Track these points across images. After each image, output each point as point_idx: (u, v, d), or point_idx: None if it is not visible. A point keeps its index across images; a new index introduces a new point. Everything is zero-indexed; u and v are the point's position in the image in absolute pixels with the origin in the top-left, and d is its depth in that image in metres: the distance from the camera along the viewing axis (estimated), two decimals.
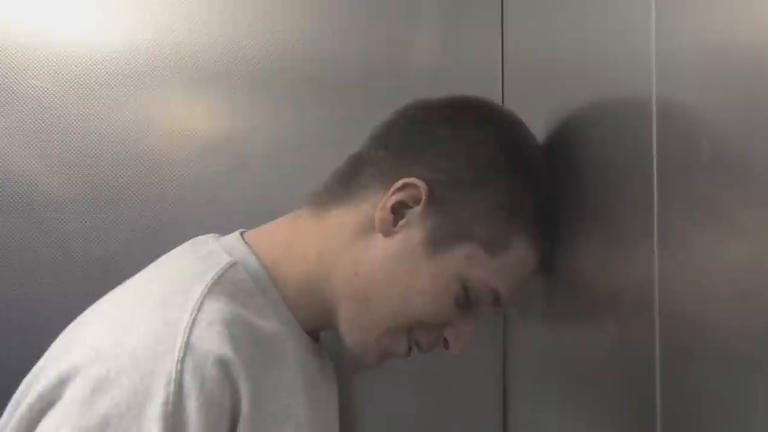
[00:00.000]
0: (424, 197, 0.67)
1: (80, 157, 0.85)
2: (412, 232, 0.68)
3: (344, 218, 0.69)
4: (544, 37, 0.89)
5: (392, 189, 0.66)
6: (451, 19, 0.93)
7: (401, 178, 0.67)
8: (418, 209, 0.67)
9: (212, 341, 0.57)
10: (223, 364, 0.57)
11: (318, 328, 0.73)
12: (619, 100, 0.83)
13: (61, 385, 0.55)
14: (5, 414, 0.59)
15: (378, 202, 0.67)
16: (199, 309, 0.59)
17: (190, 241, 0.71)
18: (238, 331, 0.60)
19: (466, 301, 0.68)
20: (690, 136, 0.78)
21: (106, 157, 0.86)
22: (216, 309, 0.60)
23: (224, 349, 0.57)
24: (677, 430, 0.71)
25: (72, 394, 0.54)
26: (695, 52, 0.79)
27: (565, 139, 0.85)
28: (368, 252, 0.69)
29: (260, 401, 0.60)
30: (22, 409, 0.55)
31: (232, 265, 0.66)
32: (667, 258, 0.80)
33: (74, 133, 0.84)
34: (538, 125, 0.87)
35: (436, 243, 0.68)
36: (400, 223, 0.67)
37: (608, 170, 0.86)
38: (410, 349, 0.72)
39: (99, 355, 0.56)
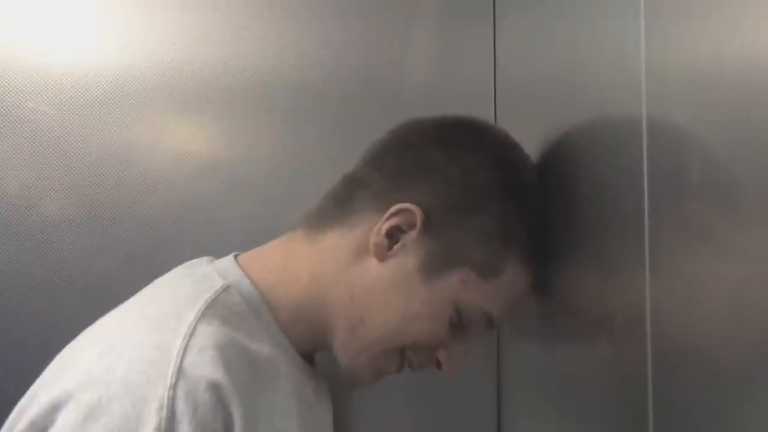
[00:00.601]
0: (419, 223, 0.67)
1: (77, 178, 0.85)
2: (407, 257, 0.68)
3: (339, 241, 0.69)
4: (536, 57, 0.90)
5: (387, 214, 0.67)
6: (445, 38, 0.94)
7: (396, 202, 0.67)
8: (413, 234, 0.67)
9: (205, 366, 0.57)
10: (215, 388, 0.57)
11: (312, 350, 0.74)
12: (609, 120, 0.84)
13: (53, 411, 0.55)
14: None
15: (372, 226, 0.68)
16: (191, 334, 0.59)
17: (184, 265, 0.71)
18: (231, 355, 0.60)
19: (459, 323, 0.69)
20: (681, 156, 0.78)
21: (104, 178, 0.87)
22: (209, 333, 0.60)
23: (217, 374, 0.57)
24: None
25: (64, 420, 0.54)
26: (685, 71, 0.81)
27: (557, 158, 0.86)
28: (363, 276, 0.69)
29: (254, 425, 0.60)
30: None
31: (226, 289, 0.66)
32: (658, 278, 0.81)
33: (72, 155, 0.85)
34: (530, 143, 0.87)
35: (431, 268, 0.68)
36: (395, 247, 0.67)
37: (600, 189, 0.86)
38: (403, 367, 0.72)
39: (91, 380, 0.56)
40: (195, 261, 0.71)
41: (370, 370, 0.71)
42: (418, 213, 0.66)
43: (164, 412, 0.54)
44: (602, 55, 0.84)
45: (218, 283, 0.66)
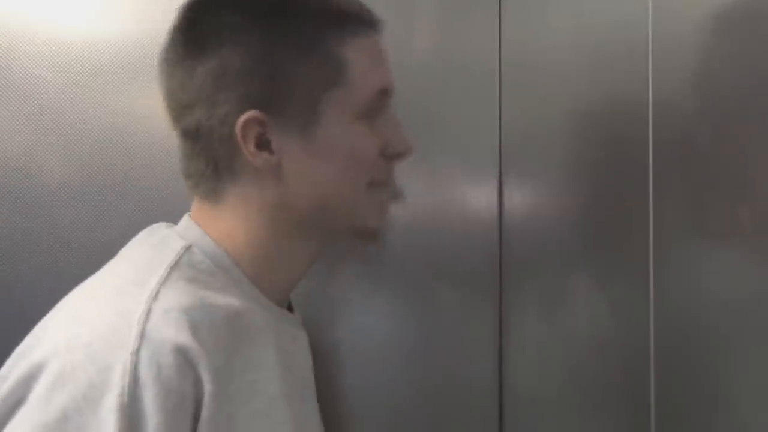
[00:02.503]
0: (260, 116, 0.66)
1: (78, 145, 0.85)
2: (288, 142, 0.67)
3: (241, 195, 0.68)
4: (541, 32, 0.92)
5: (240, 138, 0.65)
6: (451, 14, 0.93)
7: (233, 126, 0.65)
8: (272, 126, 0.66)
9: (169, 329, 0.58)
10: (180, 351, 0.57)
11: (287, 293, 0.74)
12: (614, 94, 0.87)
13: (26, 382, 0.56)
14: None
15: (246, 158, 0.67)
16: (154, 298, 0.59)
17: (144, 231, 0.71)
18: (198, 315, 0.60)
19: (369, 121, 0.69)
20: (685, 128, 0.82)
21: (104, 145, 0.86)
22: (173, 296, 0.60)
23: (182, 336, 0.57)
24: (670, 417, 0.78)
25: (34, 391, 0.55)
26: (690, 44, 0.84)
27: (562, 133, 0.90)
28: (288, 189, 0.68)
29: (226, 381, 0.60)
30: None
31: (187, 249, 0.66)
32: (661, 257, 0.84)
33: (75, 123, 0.84)
34: (534, 119, 0.90)
35: (307, 127, 0.67)
36: (272, 146, 0.67)
37: (603, 165, 0.90)
38: (392, 178, 0.74)
39: (56, 350, 0.57)
40: (154, 226, 0.72)
41: (372, 206, 0.71)
42: (250, 115, 0.65)
43: (127, 378, 0.54)
44: (608, 30, 0.86)
45: (179, 245, 0.66)
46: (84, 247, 0.83)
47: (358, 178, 0.70)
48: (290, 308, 0.77)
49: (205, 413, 0.58)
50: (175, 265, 0.63)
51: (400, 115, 0.86)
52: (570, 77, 0.90)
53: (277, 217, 0.69)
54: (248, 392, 0.63)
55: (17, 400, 0.56)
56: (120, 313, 0.58)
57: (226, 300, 0.64)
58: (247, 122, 0.65)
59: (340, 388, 0.90)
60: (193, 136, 0.68)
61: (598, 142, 0.89)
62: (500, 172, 0.93)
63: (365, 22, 0.71)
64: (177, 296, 0.60)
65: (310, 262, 0.74)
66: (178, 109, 0.69)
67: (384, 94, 0.71)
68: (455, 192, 0.93)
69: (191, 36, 0.68)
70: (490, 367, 0.91)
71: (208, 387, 0.58)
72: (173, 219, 0.81)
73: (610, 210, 0.88)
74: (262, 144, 0.66)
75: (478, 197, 0.92)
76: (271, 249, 0.70)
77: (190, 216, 0.70)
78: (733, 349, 0.78)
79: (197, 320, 0.59)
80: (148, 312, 0.58)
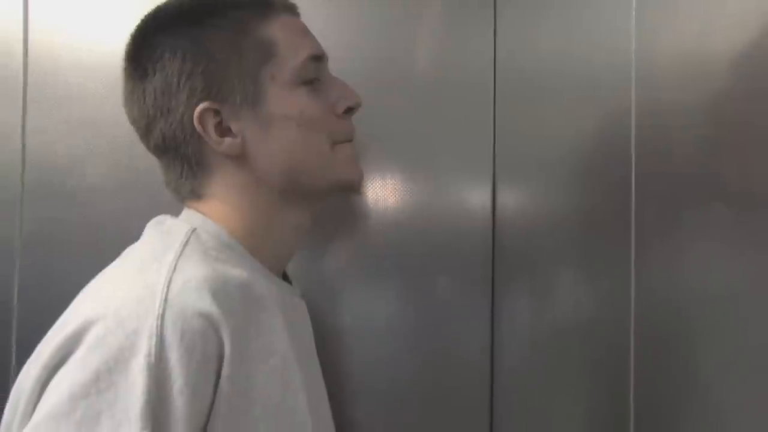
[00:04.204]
0: (212, 105, 0.68)
1: (116, 147, 0.89)
2: (245, 123, 0.69)
3: (220, 183, 0.71)
4: (533, 49, 0.93)
5: (200, 130, 0.68)
6: (449, 33, 0.95)
7: (190, 119, 0.68)
8: (226, 112, 0.68)
9: (190, 297, 0.59)
10: (203, 316, 0.59)
11: (283, 264, 0.77)
12: (599, 105, 0.89)
13: (64, 349, 0.58)
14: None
15: (211, 147, 0.69)
16: (174, 270, 0.61)
17: (152, 221, 0.73)
18: (215, 283, 0.62)
19: (314, 88, 0.72)
20: (667, 138, 0.83)
21: (136, 147, 0.84)
22: (190, 268, 0.62)
23: (203, 303, 0.59)
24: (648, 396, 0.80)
25: (73, 356, 0.57)
26: (672, 60, 0.85)
27: (551, 140, 0.92)
28: (257, 164, 0.70)
29: (244, 343, 0.62)
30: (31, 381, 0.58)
31: (194, 231, 0.68)
32: (642, 252, 0.85)
33: (112, 126, 0.87)
34: (527, 131, 0.92)
35: (256, 104, 0.69)
36: (233, 130, 0.69)
37: (589, 169, 0.92)
38: (350, 127, 0.76)
39: (90, 321, 0.58)
40: (159, 217, 0.73)
41: (340, 162, 0.74)
42: (203, 106, 0.67)
43: (154, 340, 0.56)
44: (595, 47, 0.89)
45: (186, 228, 0.68)
46: (117, 237, 0.82)
47: (317, 138, 0.72)
48: (288, 281, 0.79)
49: (225, 372, 0.59)
50: (187, 243, 0.65)
51: (403, 123, 0.91)
52: (559, 90, 0.91)
53: (258, 193, 0.71)
54: (264, 352, 0.65)
55: (57, 364, 0.57)
56: (144, 285, 0.60)
57: (236, 271, 0.66)
58: (201, 115, 0.67)
59: (346, 365, 0.92)
60: (162, 148, 0.71)
61: (583, 148, 0.90)
62: (494, 175, 0.94)
63: (283, 6, 0.73)
64: (194, 268, 0.62)
65: (301, 231, 0.76)
66: (144, 129, 0.72)
67: (315, 59, 0.72)
68: (454, 193, 0.94)
69: (135, 65, 0.70)
70: (483, 348, 0.93)
71: (228, 348, 0.60)
72: None
73: (594, 209, 0.90)
74: (224, 131, 0.69)
75: (474, 198, 0.94)
76: (261, 224, 0.72)
77: (188, 209, 0.73)
78: (706, 334, 0.79)
79: (216, 288, 0.61)
80: (169, 282, 0.60)
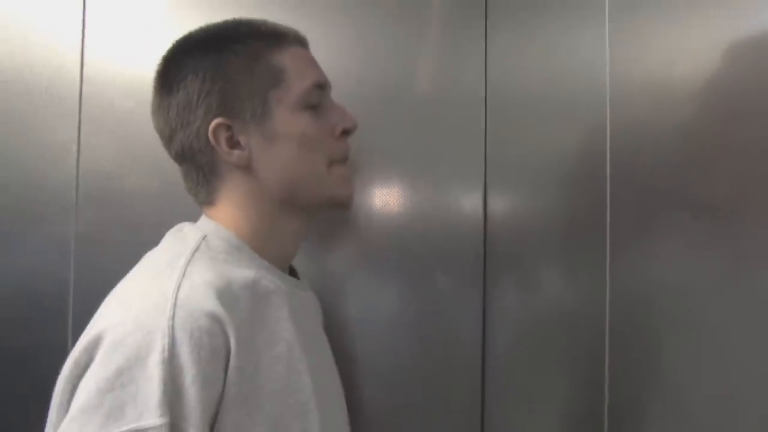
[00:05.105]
0: (224, 121, 0.70)
1: (156, 159, 0.88)
2: (252, 138, 0.71)
3: (230, 190, 0.73)
4: (520, 70, 0.95)
5: (213, 143, 0.70)
6: (443, 54, 0.97)
7: (205, 134, 0.70)
8: (237, 127, 0.71)
9: (197, 299, 0.61)
10: (209, 316, 0.60)
11: (287, 262, 0.78)
12: (578, 120, 0.91)
13: (89, 350, 0.60)
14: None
15: (222, 158, 0.71)
16: (183, 276, 0.63)
17: (173, 228, 0.76)
18: (220, 286, 0.63)
19: (316, 112, 0.74)
20: (639, 151, 0.84)
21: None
22: (198, 273, 0.64)
23: (208, 303, 0.61)
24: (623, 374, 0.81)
25: (97, 355, 0.59)
26: (642, 80, 0.85)
27: (536, 152, 0.94)
28: (261, 175, 0.72)
29: (249, 335, 0.64)
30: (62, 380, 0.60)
31: (205, 238, 0.70)
32: (617, 257, 0.86)
33: (151, 141, 0.83)
34: (515, 143, 0.96)
35: (263, 122, 0.71)
36: (242, 144, 0.71)
37: (569, 177, 0.92)
38: (346, 147, 0.77)
39: (112, 324, 0.60)
40: (179, 225, 0.76)
41: (334, 180, 0.75)
42: (217, 122, 0.70)
43: (167, 339, 0.58)
44: (574, 72, 0.91)
45: (199, 235, 0.70)
46: (156, 237, 0.81)
47: (315, 158, 0.73)
48: (296, 276, 0.81)
49: (233, 363, 0.61)
50: (197, 250, 0.67)
51: (405, 137, 0.93)
52: (543, 108, 0.93)
53: (262, 201, 0.73)
54: (269, 342, 0.66)
55: (85, 363, 0.60)
56: (158, 291, 0.62)
57: (242, 271, 0.67)
58: (215, 129, 0.70)
59: (353, 351, 0.95)
60: (181, 156, 0.74)
61: (565, 160, 0.92)
62: (485, 183, 0.97)
63: (295, 39, 0.76)
64: (201, 273, 0.64)
65: (299, 236, 0.78)
66: (167, 138, 0.74)
67: (319, 87, 0.74)
68: (449, 199, 0.97)
69: (163, 82, 0.73)
70: (475, 337, 0.96)
71: (233, 342, 0.61)
72: None
73: (574, 215, 0.91)
74: (234, 144, 0.71)
75: (468, 203, 0.97)
76: (265, 227, 0.73)
77: (204, 216, 0.75)
78: (671, 325, 0.80)
79: (221, 290, 0.63)
80: (179, 287, 0.62)
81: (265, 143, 0.72)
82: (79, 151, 0.97)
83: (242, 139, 0.71)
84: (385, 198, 0.98)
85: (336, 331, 0.91)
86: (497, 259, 0.96)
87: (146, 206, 0.96)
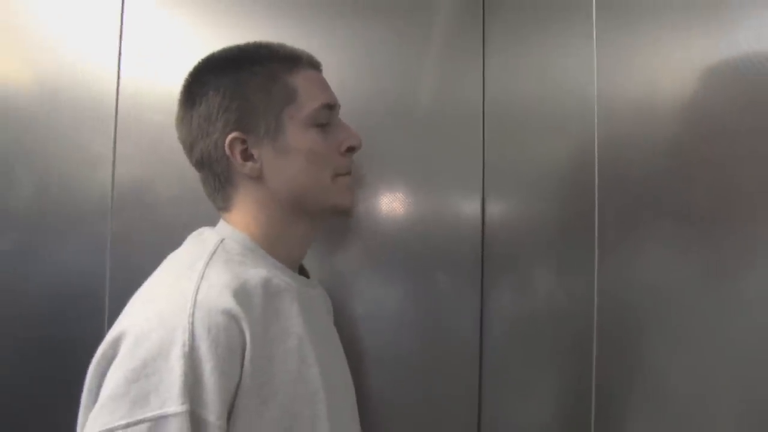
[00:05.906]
0: (240, 135, 0.72)
1: (183, 168, 0.87)
2: (264, 151, 0.74)
3: (243, 197, 0.75)
4: (515, 87, 0.98)
5: (228, 155, 0.73)
6: (444, 71, 0.99)
7: (222, 147, 0.73)
8: (251, 141, 0.73)
9: (214, 299, 0.64)
10: (225, 313, 0.63)
11: (297, 263, 0.80)
12: (569, 132, 0.92)
13: (114, 344, 0.62)
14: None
15: (237, 169, 0.74)
16: (202, 278, 0.66)
17: (194, 232, 0.78)
18: (235, 285, 0.66)
19: (323, 131, 0.76)
20: (625, 165, 0.84)
21: None
22: (215, 274, 0.67)
23: (225, 302, 0.64)
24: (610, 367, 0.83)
25: (122, 349, 0.61)
26: (628, 99, 0.86)
27: (530, 162, 0.97)
28: (271, 185, 0.74)
29: (263, 330, 0.66)
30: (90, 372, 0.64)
31: (222, 241, 0.72)
32: (605, 261, 0.87)
33: (178, 151, 0.85)
34: (512, 156, 0.98)
35: (276, 138, 0.73)
36: (255, 156, 0.73)
37: (561, 185, 0.93)
38: (349, 162, 0.79)
39: (137, 321, 0.63)
40: (200, 229, 0.78)
41: (338, 191, 0.77)
42: (232, 136, 0.72)
43: (187, 334, 0.61)
44: (565, 89, 0.95)
45: (217, 239, 0.73)
46: (182, 240, 0.82)
47: (321, 171, 0.76)
48: (306, 275, 0.83)
49: (248, 356, 0.64)
50: (214, 253, 0.70)
51: (409, 148, 0.96)
52: (536, 122, 0.96)
53: (272, 208, 0.75)
54: (282, 335, 0.68)
55: (111, 356, 0.62)
56: (180, 291, 0.65)
57: (256, 271, 0.70)
58: (231, 142, 0.72)
59: (361, 344, 0.99)
60: (201, 164, 0.76)
61: (556, 170, 0.94)
62: (483, 190, 0.99)
63: (308, 62, 0.78)
64: (218, 274, 0.67)
65: (307, 240, 0.80)
66: (189, 148, 0.77)
67: (328, 107, 0.76)
68: (450, 204, 1.00)
69: (187, 96, 0.76)
70: (473, 332, 0.99)
71: (248, 337, 0.64)
72: None
73: (565, 219, 0.93)
74: (247, 156, 0.73)
75: (467, 209, 0.99)
76: (276, 232, 0.76)
77: (222, 221, 0.78)
78: (655, 323, 0.80)
79: (236, 289, 0.65)
80: (198, 287, 0.65)
81: (276, 156, 0.75)
82: (114, 160, 1.00)
83: (255, 152, 0.74)
84: (390, 204, 1.00)
85: (345, 326, 0.94)
86: (494, 261, 0.98)
87: (174, 210, 0.99)
